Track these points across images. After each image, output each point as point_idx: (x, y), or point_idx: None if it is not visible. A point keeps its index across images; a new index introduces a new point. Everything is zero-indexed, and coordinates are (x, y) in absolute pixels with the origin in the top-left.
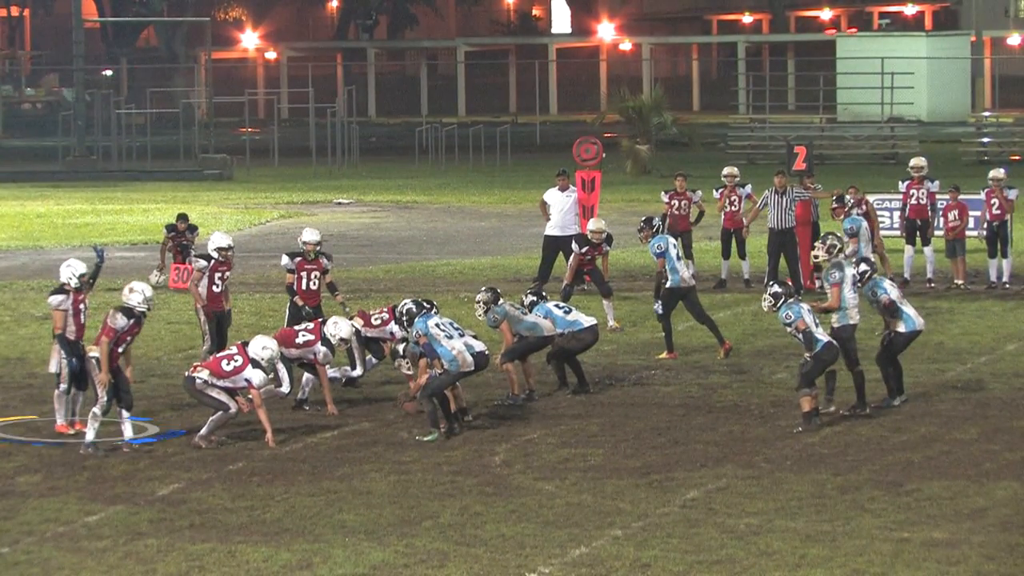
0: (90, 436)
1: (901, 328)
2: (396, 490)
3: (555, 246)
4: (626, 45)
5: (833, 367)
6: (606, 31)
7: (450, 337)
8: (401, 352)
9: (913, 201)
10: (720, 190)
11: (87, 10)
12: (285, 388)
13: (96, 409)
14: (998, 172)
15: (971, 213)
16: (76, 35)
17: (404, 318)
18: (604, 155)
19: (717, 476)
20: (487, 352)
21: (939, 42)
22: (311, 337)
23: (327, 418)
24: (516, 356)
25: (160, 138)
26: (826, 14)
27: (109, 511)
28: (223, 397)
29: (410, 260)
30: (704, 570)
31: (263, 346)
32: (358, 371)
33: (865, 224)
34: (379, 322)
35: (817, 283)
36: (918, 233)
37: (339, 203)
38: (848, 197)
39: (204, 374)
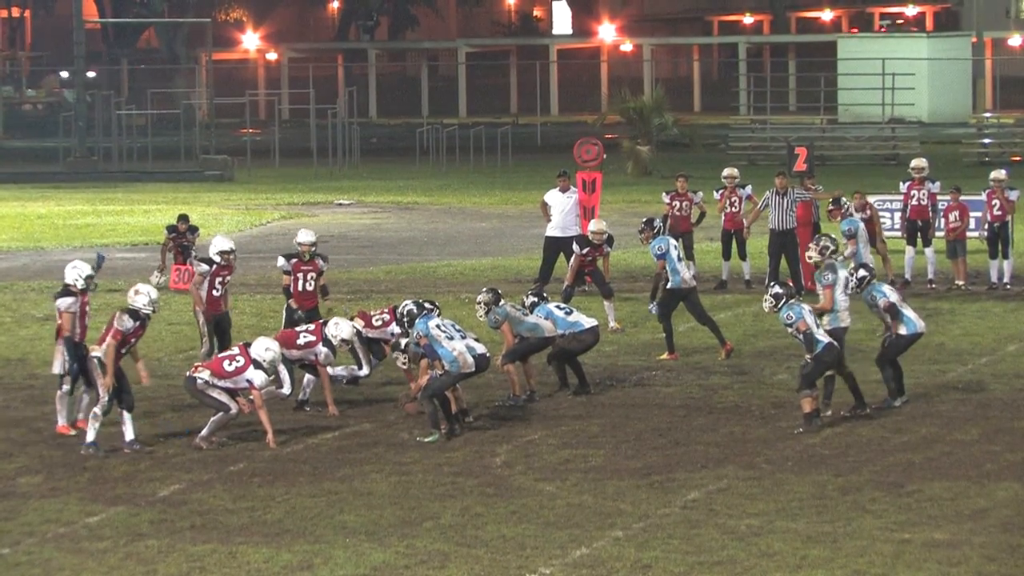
0: (91, 436)
1: (902, 331)
2: (397, 491)
3: (556, 247)
4: (627, 46)
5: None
6: (607, 32)
7: (451, 338)
8: (402, 346)
9: (914, 202)
10: (720, 191)
11: (88, 11)
12: (286, 389)
13: (97, 410)
14: (999, 173)
15: (972, 214)
16: (77, 36)
17: (405, 319)
18: (605, 156)
19: (718, 477)
20: (488, 354)
21: (940, 43)
22: (312, 338)
23: (328, 419)
24: (517, 357)
25: (161, 139)
26: (827, 15)
27: (110, 512)
28: (223, 398)
29: (411, 261)
30: (705, 571)
31: (266, 347)
32: (364, 371)
33: (863, 226)
34: (380, 323)
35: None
36: (919, 234)
37: (340, 204)
38: (845, 200)
39: (205, 374)
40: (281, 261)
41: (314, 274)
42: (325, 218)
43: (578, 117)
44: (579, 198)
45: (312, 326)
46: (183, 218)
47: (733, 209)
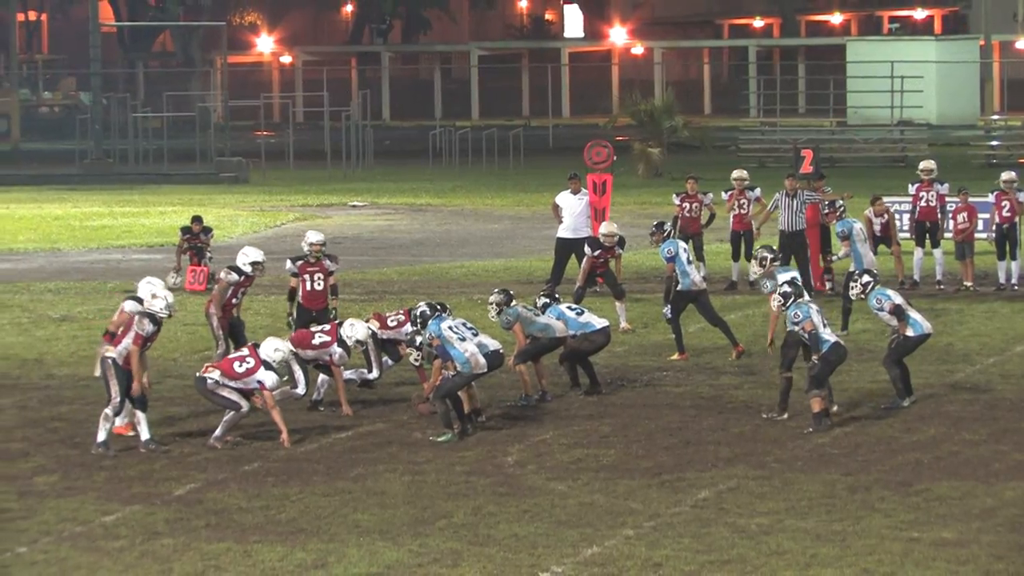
0: (101, 436)
1: (909, 332)
2: (410, 490)
3: (567, 248)
4: (638, 49)
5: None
6: (618, 35)
7: (463, 339)
8: (417, 343)
9: (923, 203)
10: (729, 192)
11: (104, 14)
12: (300, 390)
13: (108, 410)
14: (1009, 175)
15: (980, 215)
16: (93, 39)
17: (418, 320)
18: (616, 158)
19: (728, 476)
20: (502, 351)
21: (948, 46)
22: (327, 339)
23: (342, 419)
24: (529, 357)
25: (176, 141)
26: (836, 19)
27: (126, 511)
28: (234, 396)
29: (424, 262)
30: (715, 569)
31: (275, 348)
32: (374, 373)
33: (858, 226)
34: (395, 324)
35: (827, 285)
36: (927, 235)
37: (353, 206)
38: (840, 202)
39: (215, 375)
40: (288, 265)
41: (322, 275)
42: (339, 219)
43: (589, 119)
44: (590, 200)
45: (327, 326)
46: (197, 219)
47: (742, 211)
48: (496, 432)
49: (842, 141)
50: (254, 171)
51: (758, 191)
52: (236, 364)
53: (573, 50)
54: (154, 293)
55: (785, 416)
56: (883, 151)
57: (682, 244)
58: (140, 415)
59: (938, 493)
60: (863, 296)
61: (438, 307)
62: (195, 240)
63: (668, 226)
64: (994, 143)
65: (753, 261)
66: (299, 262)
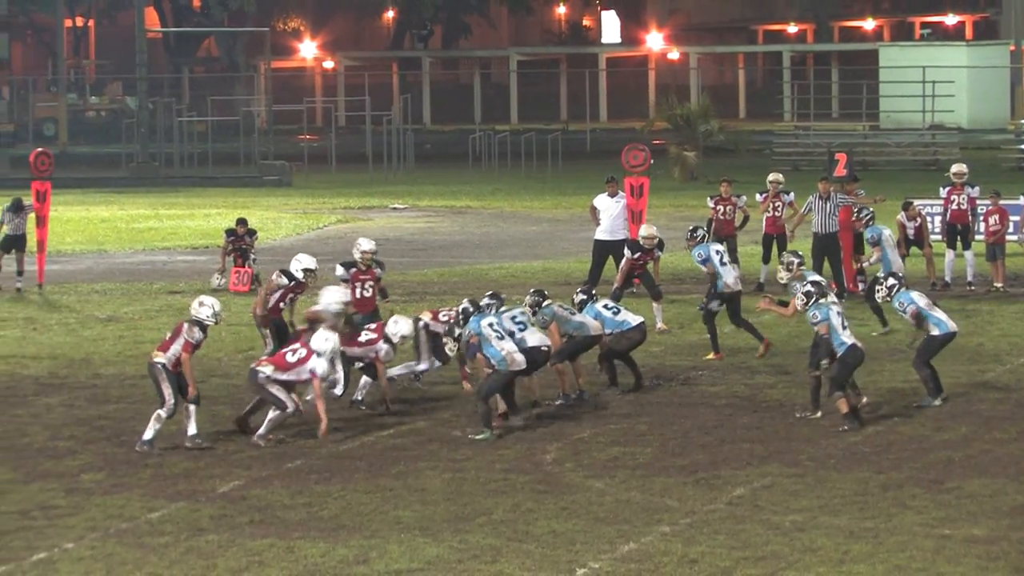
0: (148, 435)
1: (935, 332)
2: (450, 487)
3: (605, 250)
4: (674, 54)
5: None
6: (654, 41)
7: (501, 338)
8: (456, 335)
9: (954, 206)
10: (764, 195)
11: (150, 20)
12: (339, 390)
13: (162, 412)
14: None
15: (1011, 218)
16: (139, 44)
17: (460, 317)
18: (652, 161)
19: (763, 474)
20: (545, 347)
21: (979, 51)
22: (374, 336)
23: (383, 417)
24: (566, 356)
25: (221, 145)
26: (869, 24)
27: (171, 508)
28: (283, 395)
29: (463, 264)
30: (750, 565)
31: (325, 338)
32: (423, 365)
33: (887, 232)
34: (445, 319)
35: (860, 286)
36: (959, 238)
37: (394, 208)
38: (868, 209)
39: (268, 369)
40: (340, 271)
41: (371, 282)
42: (380, 222)
43: (626, 123)
44: (627, 203)
45: (374, 324)
46: (242, 222)
47: (776, 213)
48: (534, 431)
49: (874, 145)
50: (297, 174)
51: (792, 195)
52: (288, 355)
53: (610, 55)
54: (201, 300)
55: (819, 414)
56: (915, 155)
57: (715, 247)
58: (191, 408)
59: (969, 491)
60: (888, 299)
61: (482, 304)
62: (239, 242)
63: (701, 231)
64: None
65: (781, 266)
66: (352, 269)
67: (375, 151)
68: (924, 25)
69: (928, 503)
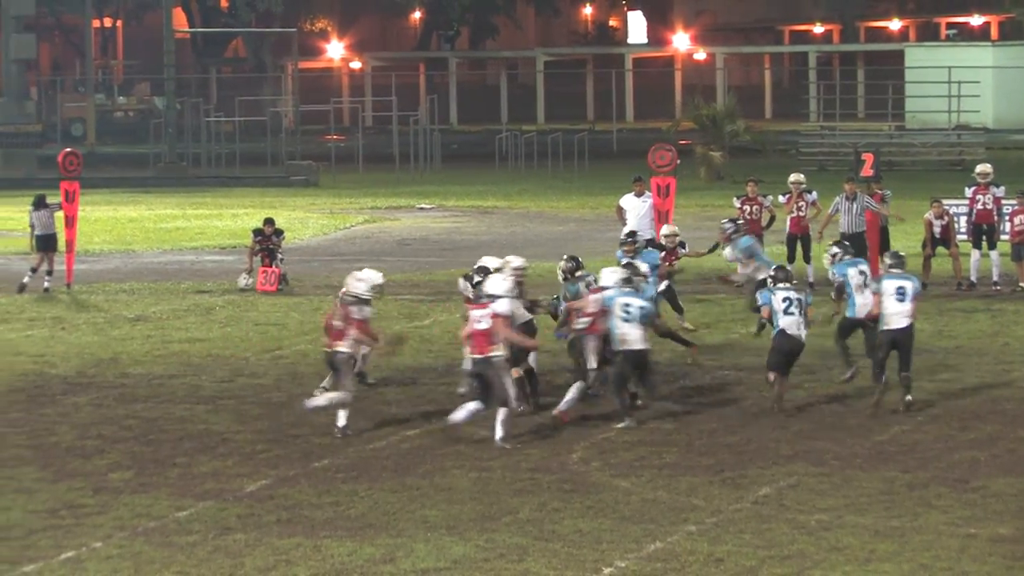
0: (342, 421)
1: (847, 312)
2: (477, 487)
3: None
4: (700, 55)
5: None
6: (681, 41)
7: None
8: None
9: (979, 206)
10: (787, 196)
11: (178, 21)
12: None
13: (346, 397)
14: None
15: None
16: (167, 45)
17: (565, 273)
18: (679, 162)
19: (788, 473)
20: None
21: (1004, 52)
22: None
23: (411, 416)
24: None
25: (248, 145)
26: (895, 25)
27: (198, 507)
28: (512, 389)
29: None
30: (776, 564)
31: (498, 281)
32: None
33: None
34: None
35: None
36: (985, 237)
37: (421, 208)
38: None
39: (500, 352)
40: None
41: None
42: (407, 222)
43: (653, 124)
44: (654, 202)
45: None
46: (269, 222)
47: (800, 213)
48: (560, 430)
49: (900, 145)
50: (324, 174)
51: (815, 194)
52: (478, 325)
53: (637, 56)
54: (358, 276)
55: (853, 371)
56: (940, 155)
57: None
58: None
59: (995, 490)
60: (830, 265)
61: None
62: (267, 242)
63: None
64: None
65: (826, 256)
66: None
67: (402, 151)
68: (950, 25)
69: (953, 502)
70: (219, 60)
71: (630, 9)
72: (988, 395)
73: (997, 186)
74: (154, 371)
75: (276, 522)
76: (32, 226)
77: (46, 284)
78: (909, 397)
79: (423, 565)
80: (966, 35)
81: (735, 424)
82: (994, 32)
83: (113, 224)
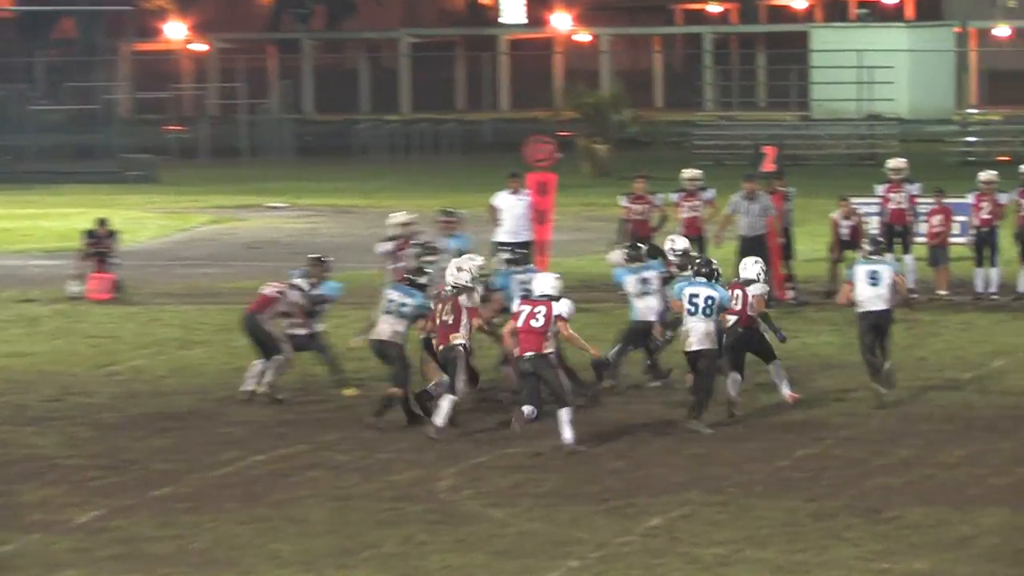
0: (440, 421)
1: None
2: (334, 518)
3: None
4: (583, 37)
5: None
6: (561, 22)
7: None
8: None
9: (892, 205)
10: (680, 193)
11: None
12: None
13: (453, 396)
14: (989, 174)
15: (956, 218)
16: None
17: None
18: (559, 156)
19: (681, 502)
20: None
21: (920, 33)
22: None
23: (259, 440)
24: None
25: (79, 137)
26: (799, 3)
27: (23, 540)
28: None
29: (348, 269)
30: None
31: (549, 280)
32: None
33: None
34: None
35: (789, 293)
36: (898, 239)
37: (272, 207)
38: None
39: (551, 348)
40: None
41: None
42: (256, 222)
43: (530, 113)
44: (532, 201)
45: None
46: (102, 222)
47: (695, 213)
48: (427, 453)
49: (805, 137)
50: (163, 169)
51: (712, 192)
52: (533, 322)
53: (512, 37)
54: (458, 266)
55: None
56: (850, 148)
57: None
58: (448, 400)
59: (910, 520)
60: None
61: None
62: (99, 245)
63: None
64: (971, 139)
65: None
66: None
67: (251, 143)
68: (860, 4)
69: (865, 534)
70: (46, 42)
71: None
72: (903, 415)
73: (912, 183)
74: None
75: (111, 557)
76: None
77: None
78: (884, 390)
79: None
80: (878, 15)
81: (622, 448)
82: (910, 11)
83: None
